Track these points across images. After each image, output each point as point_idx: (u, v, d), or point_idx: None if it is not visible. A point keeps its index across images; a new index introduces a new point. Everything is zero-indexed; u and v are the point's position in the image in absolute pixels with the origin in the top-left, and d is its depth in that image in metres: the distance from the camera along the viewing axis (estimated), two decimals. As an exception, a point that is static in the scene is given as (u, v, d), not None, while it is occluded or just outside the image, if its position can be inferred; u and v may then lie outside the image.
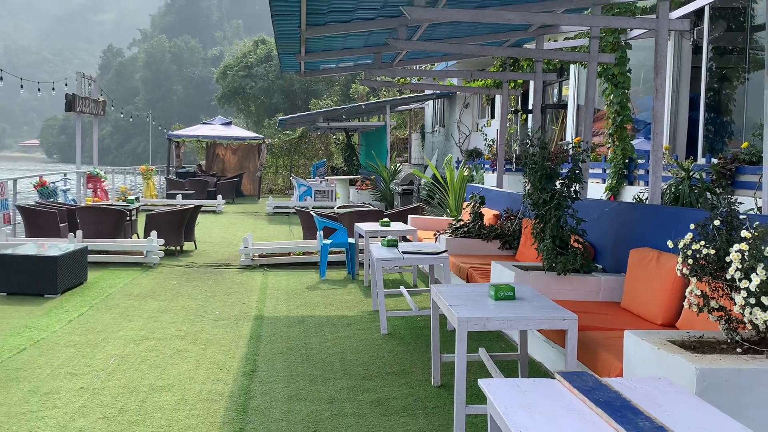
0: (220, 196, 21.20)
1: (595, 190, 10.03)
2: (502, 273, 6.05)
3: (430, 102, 23.67)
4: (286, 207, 20.38)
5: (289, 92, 49.66)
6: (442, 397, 4.81)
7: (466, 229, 8.35)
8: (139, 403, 4.65)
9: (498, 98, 16.42)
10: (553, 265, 5.88)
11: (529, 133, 7.29)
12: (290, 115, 26.93)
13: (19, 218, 11.70)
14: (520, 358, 5.04)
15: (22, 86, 16.74)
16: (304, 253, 10.73)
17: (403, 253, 6.85)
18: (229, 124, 28.94)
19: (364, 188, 20.26)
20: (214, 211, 20.03)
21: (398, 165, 21.99)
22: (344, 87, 43.68)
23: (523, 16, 6.40)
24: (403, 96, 23.22)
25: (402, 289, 7.70)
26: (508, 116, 12.36)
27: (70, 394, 4.79)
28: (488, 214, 8.91)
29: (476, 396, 4.67)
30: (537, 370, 5.38)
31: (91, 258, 9.51)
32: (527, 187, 6.18)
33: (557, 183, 6.06)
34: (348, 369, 5.46)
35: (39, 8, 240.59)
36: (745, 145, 7.54)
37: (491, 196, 9.47)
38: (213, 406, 4.63)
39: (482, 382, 2.87)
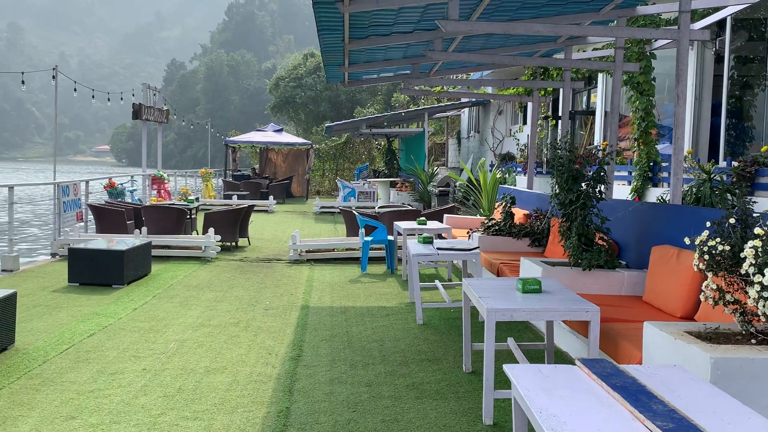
0: (271, 197, 21.42)
1: (621, 191, 9.88)
2: (530, 268, 6.01)
3: (466, 109, 23.56)
4: (332, 207, 20.50)
5: (336, 101, 49.92)
6: (472, 383, 4.81)
7: (497, 227, 8.31)
8: (195, 384, 4.74)
9: (530, 105, 16.29)
10: (579, 261, 5.82)
11: (558, 138, 7.23)
12: (336, 123, 27.08)
13: (90, 216, 11.99)
14: (546, 348, 5.00)
15: (93, 96, 17.17)
16: (347, 249, 10.78)
17: (438, 249, 6.85)
18: (280, 130, 29.23)
19: (403, 190, 20.26)
20: (266, 211, 20.26)
21: (435, 168, 21.94)
22: (386, 96, 43.73)
23: (552, 28, 6.35)
24: (441, 104, 23.14)
25: (437, 282, 7.70)
26: (539, 122, 12.24)
27: (133, 375, 4.91)
28: (519, 213, 8.86)
29: (504, 382, 4.65)
30: (562, 359, 5.34)
31: (154, 252, 9.70)
32: (555, 188, 6.13)
33: (583, 184, 6.00)
34: (386, 355, 5.49)
35: (110, 26, 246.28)
36: (764, 149, 7.36)
37: (522, 197, 9.41)
38: (262, 387, 4.69)
39: (507, 367, 2.87)
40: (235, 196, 20.74)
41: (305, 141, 29.40)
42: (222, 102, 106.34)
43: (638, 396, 2.31)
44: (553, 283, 4.74)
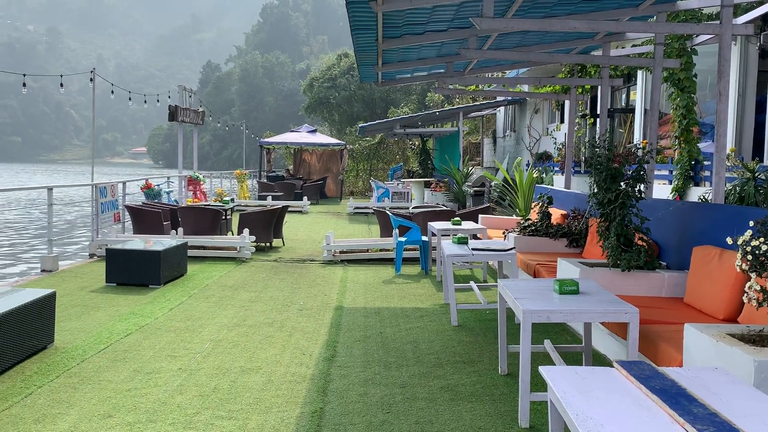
0: (305, 198, 21.57)
1: (662, 191, 9.72)
2: (567, 269, 5.96)
3: (502, 108, 23.42)
4: (365, 208, 20.55)
5: (369, 101, 50.04)
6: (508, 385, 4.78)
7: (534, 227, 8.25)
8: (230, 383, 4.81)
9: (567, 103, 16.11)
10: (618, 261, 5.75)
11: (596, 136, 7.15)
12: (370, 123, 27.14)
13: (127, 217, 12.22)
14: (584, 350, 4.95)
15: (130, 98, 17.50)
16: (380, 250, 10.81)
17: (473, 249, 6.83)
18: (314, 131, 29.41)
19: (438, 190, 20.22)
20: (300, 211, 20.41)
21: (470, 168, 21.85)
22: (420, 95, 43.69)
23: (589, 24, 6.28)
24: (476, 103, 23.02)
25: (472, 283, 7.67)
26: (577, 120, 12.11)
27: (169, 374, 4.99)
28: (556, 213, 8.77)
29: (541, 384, 4.63)
30: (600, 362, 5.28)
31: (190, 253, 9.86)
32: (593, 187, 6.06)
33: (622, 183, 5.93)
34: (420, 357, 5.49)
35: (145, 29, 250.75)
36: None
37: (559, 196, 9.32)
38: (296, 387, 4.74)
39: (543, 369, 2.85)
40: (270, 197, 20.94)
41: (339, 141, 29.52)
42: (256, 103, 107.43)
43: (678, 399, 2.28)
44: (591, 284, 4.68)
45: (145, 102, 19.53)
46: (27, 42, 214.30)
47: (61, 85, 14.03)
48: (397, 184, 24.04)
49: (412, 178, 24.02)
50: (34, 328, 5.31)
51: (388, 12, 6.50)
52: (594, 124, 14.60)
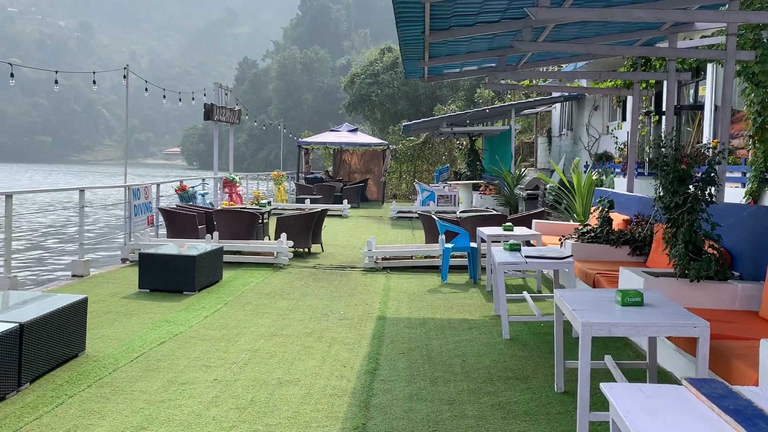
0: (345, 201, 21.68)
1: (734, 195, 9.49)
2: (630, 279, 5.86)
3: (558, 105, 23.18)
4: (409, 211, 20.56)
5: (414, 98, 50.10)
6: (565, 404, 4.73)
7: (593, 234, 8.14)
8: (267, 396, 4.86)
9: (630, 100, 15.88)
10: (686, 271, 5.64)
11: (662, 135, 7.02)
12: (414, 121, 27.16)
13: (161, 220, 12.46)
14: (648, 367, 4.87)
15: (164, 96, 17.87)
16: (426, 257, 10.80)
17: (526, 257, 6.77)
18: (355, 130, 29.57)
19: (487, 193, 20.11)
20: (340, 215, 20.53)
21: (523, 170, 21.68)
22: (468, 92, 43.54)
23: (655, 13, 6.17)
24: (529, 99, 22.87)
25: (525, 294, 7.61)
26: (640, 118, 11.91)
27: (204, 385, 5.07)
28: (617, 219, 8.64)
29: (600, 403, 4.57)
30: (666, 380, 5.18)
31: (225, 258, 9.99)
32: (659, 190, 5.96)
33: (691, 186, 5.81)
34: (469, 372, 5.46)
35: (180, 23, 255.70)
36: None
37: (621, 200, 9.18)
38: (337, 402, 4.76)
39: (604, 386, 2.81)
40: (308, 200, 21.12)
41: (381, 141, 29.62)
42: (295, 101, 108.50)
43: (755, 420, 2.22)
44: (656, 296, 4.60)
45: (180, 100, 19.93)
46: (58, 38, 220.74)
47: (94, 82, 14.42)
48: (443, 187, 23.98)
49: (459, 180, 23.96)
50: (66, 336, 5.45)
51: (437, 3, 6.51)
52: (659, 122, 14.35)
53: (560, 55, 10.67)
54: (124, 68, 12.23)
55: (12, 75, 11.78)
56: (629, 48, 9.03)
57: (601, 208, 8.41)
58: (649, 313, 4.16)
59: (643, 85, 11.52)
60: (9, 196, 8.51)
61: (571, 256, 6.76)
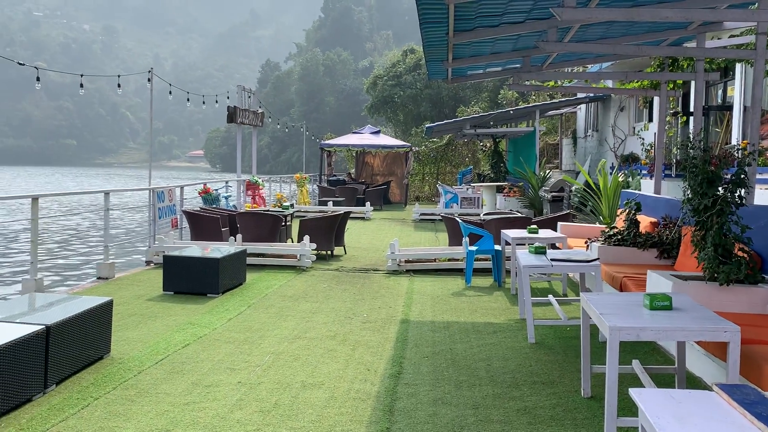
0: (368, 203, 21.70)
1: (765, 197, 9.35)
2: (658, 283, 5.80)
3: (583, 106, 23.02)
4: (432, 214, 20.53)
5: (437, 100, 50.08)
6: (592, 409, 4.68)
7: (620, 236, 8.05)
8: (291, 399, 4.87)
9: (656, 100, 15.72)
10: (715, 274, 5.56)
11: (690, 136, 6.94)
12: (437, 123, 27.11)
13: (185, 223, 12.56)
14: (677, 372, 4.81)
15: (188, 99, 18.03)
16: (449, 260, 10.77)
17: (552, 260, 6.72)
18: (377, 132, 29.59)
19: (511, 195, 20.02)
20: (362, 218, 20.55)
21: (548, 171, 21.55)
22: (492, 93, 43.43)
23: (683, 13, 6.11)
24: (554, 100, 22.73)
25: (550, 297, 7.55)
26: (667, 119, 11.78)
27: (228, 388, 5.10)
28: (644, 221, 8.55)
29: (628, 409, 4.52)
30: (695, 385, 5.11)
31: (248, 260, 10.05)
32: (687, 192, 5.89)
33: (720, 188, 5.74)
34: (494, 376, 5.44)
35: (204, 26, 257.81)
36: None
37: (648, 202, 9.08)
38: (361, 405, 4.76)
39: (633, 392, 2.78)
40: (331, 203, 21.17)
41: (404, 143, 29.61)
42: (317, 103, 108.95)
43: (790, 429, 2.19)
44: (685, 300, 4.55)
45: (204, 103, 20.07)
46: (83, 42, 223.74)
47: (119, 85, 14.58)
48: (467, 189, 23.92)
49: (482, 182, 23.88)
50: (91, 338, 5.51)
51: (461, 3, 6.49)
52: (686, 122, 14.21)
53: (586, 56, 10.60)
54: (149, 71, 12.36)
55: (38, 79, 11.96)
56: (656, 48, 8.94)
57: (628, 211, 8.33)
58: (678, 317, 4.11)
59: (671, 85, 11.41)
60: (35, 199, 8.63)
61: (598, 259, 6.70)
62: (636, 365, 4.95)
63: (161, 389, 5.04)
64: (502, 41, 8.78)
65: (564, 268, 6.67)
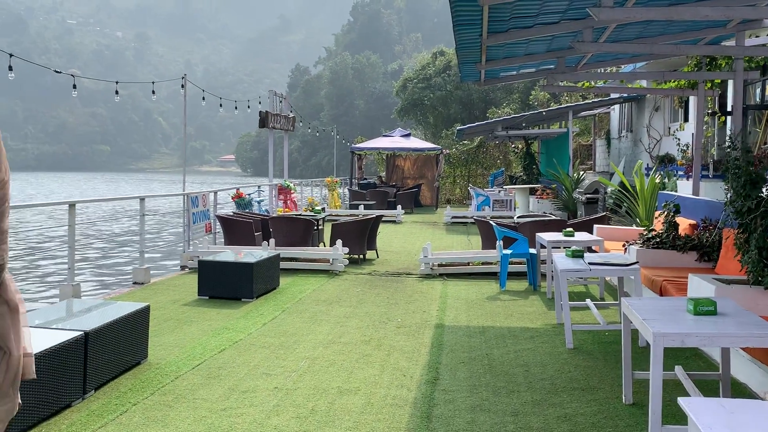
0: (399, 206, 21.66)
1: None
2: (700, 286, 5.67)
3: (616, 106, 22.75)
4: (464, 217, 20.43)
5: (467, 102, 49.89)
6: (634, 416, 4.59)
7: (658, 239, 7.91)
8: (328, 405, 4.85)
9: (692, 100, 15.45)
10: (760, 278, 5.43)
11: (729, 136, 6.79)
12: (468, 125, 27.00)
13: (218, 227, 12.64)
14: (721, 378, 4.70)
15: (221, 105, 18.18)
16: (483, 263, 10.68)
17: (590, 264, 6.62)
18: (408, 135, 29.55)
19: (544, 197, 19.81)
20: (393, 221, 20.51)
21: (581, 173, 21.31)
22: (523, 94, 43.14)
23: (723, 11, 5.97)
24: (587, 101, 22.48)
25: (588, 302, 7.45)
26: (705, 119, 11.56)
27: (265, 393, 5.10)
28: (683, 223, 8.39)
29: (672, 416, 4.43)
30: (740, 392, 4.99)
31: (281, 265, 10.06)
32: (729, 194, 5.76)
33: (764, 189, 5.60)
34: (532, 382, 5.36)
35: (234, 32, 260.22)
36: None
37: (686, 204, 8.91)
38: (398, 412, 4.72)
39: (683, 401, 2.71)
40: (362, 206, 21.18)
41: (434, 146, 29.52)
42: (346, 107, 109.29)
43: None
44: (729, 304, 4.44)
45: (236, 108, 20.23)
46: (115, 49, 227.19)
47: (153, 92, 14.75)
48: (499, 191, 23.78)
49: (514, 184, 23.71)
50: (129, 343, 5.55)
51: (496, 4, 6.43)
52: (724, 123, 13.94)
53: (621, 56, 10.45)
54: (183, 77, 12.48)
55: (74, 86, 12.14)
56: (694, 47, 8.77)
57: (666, 213, 8.18)
58: (723, 322, 4.01)
59: (708, 85, 11.20)
60: (72, 206, 8.74)
61: (637, 262, 6.59)
62: (679, 371, 4.85)
63: (198, 395, 5.06)
64: (536, 42, 8.69)
65: (603, 272, 6.57)
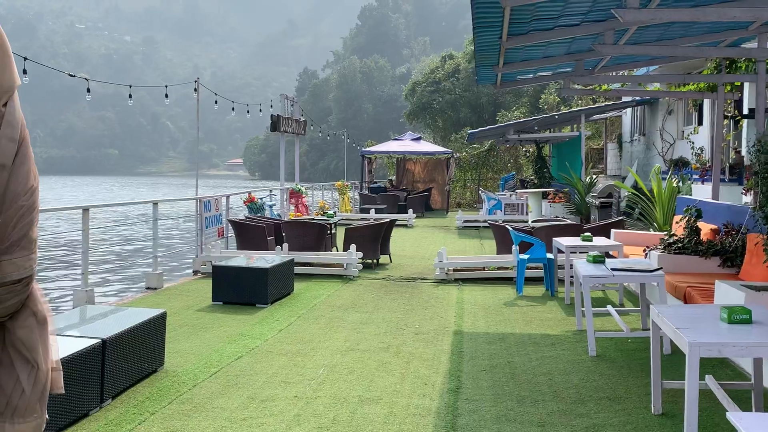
0: (410, 210, 21.54)
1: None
2: (728, 293, 5.55)
3: (628, 110, 22.60)
4: (476, 221, 20.30)
5: (476, 105, 49.78)
6: (664, 427, 4.47)
7: (680, 244, 7.79)
8: (350, 414, 4.75)
9: (706, 103, 15.30)
10: (791, 285, 5.30)
11: (758, 138, 6.66)
12: (480, 129, 26.89)
13: (230, 232, 12.56)
14: (753, 388, 4.58)
15: (233, 109, 18.13)
16: (498, 268, 10.56)
17: (612, 269, 6.50)
18: (418, 139, 29.43)
19: (557, 201, 19.70)
20: (405, 225, 20.39)
21: (594, 177, 21.18)
22: (532, 98, 43.01)
23: (752, 12, 5.85)
24: (599, 105, 22.36)
25: (609, 308, 7.32)
26: (725, 122, 11.41)
27: (285, 402, 5.00)
28: (704, 228, 8.26)
29: (707, 428, 4.31)
30: (774, 403, 4.85)
31: (295, 270, 9.97)
32: (759, 198, 5.64)
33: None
34: (557, 391, 5.25)
35: (242, 36, 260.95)
36: None
37: (707, 208, 8.77)
38: (421, 422, 4.62)
39: (733, 416, 2.59)
40: (373, 210, 21.08)
41: (445, 149, 29.39)
42: (355, 111, 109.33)
43: None
44: (763, 312, 4.32)
45: (248, 112, 20.18)
46: (124, 53, 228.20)
47: (166, 96, 14.70)
48: (510, 195, 23.63)
49: (525, 188, 23.57)
50: (146, 351, 5.46)
51: (518, 6, 6.33)
52: (736, 126, 13.78)
53: (640, 58, 10.33)
54: (195, 81, 12.43)
55: (88, 90, 12.09)
56: (717, 49, 8.64)
57: (688, 218, 8.06)
58: (759, 331, 3.90)
59: (728, 87, 11.06)
60: (86, 210, 8.67)
61: (661, 268, 6.46)
62: (710, 381, 4.72)
63: (217, 404, 4.96)
64: (555, 45, 8.58)
65: (626, 278, 6.44)
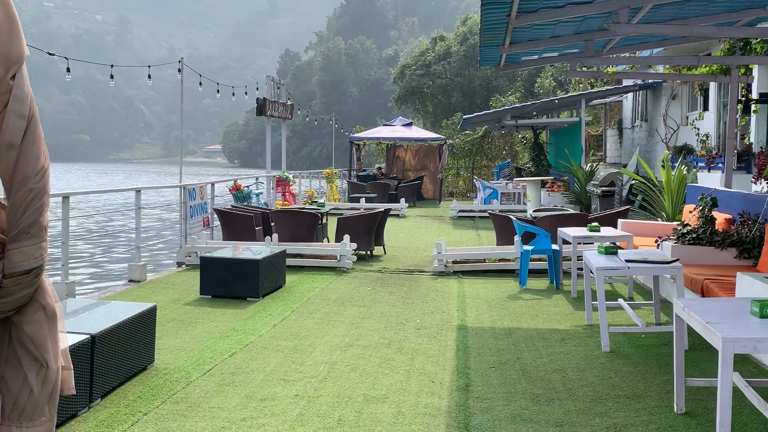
0: (403, 200, 21.45)
1: None
2: (752, 286, 5.52)
3: (630, 95, 22.60)
4: (471, 211, 20.26)
5: (468, 90, 49.72)
6: (689, 426, 4.44)
7: (694, 235, 7.77)
8: (356, 414, 4.68)
9: (712, 88, 15.30)
10: (818, 277, 5.28)
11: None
12: (475, 114, 26.81)
13: (216, 221, 12.42)
14: (781, 386, 4.55)
15: (218, 92, 17.92)
16: (499, 260, 10.52)
17: (627, 261, 6.45)
18: (410, 125, 29.28)
19: (555, 190, 19.69)
20: (397, 215, 20.30)
21: (595, 165, 21.18)
22: (527, 82, 42.98)
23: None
24: (599, 89, 22.33)
25: (621, 302, 7.30)
26: (738, 107, 11.38)
27: (286, 401, 4.92)
28: (719, 218, 8.24)
29: (736, 428, 4.28)
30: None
31: (286, 261, 9.87)
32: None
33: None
34: (572, 389, 5.20)
35: (219, 15, 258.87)
36: None
37: (721, 197, 8.75)
38: (432, 422, 4.56)
39: None
40: (363, 199, 20.99)
41: (438, 136, 29.28)
42: (339, 95, 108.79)
43: None
44: (795, 306, 4.28)
45: (233, 95, 19.96)
46: (95, 33, 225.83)
47: (149, 77, 14.47)
48: (506, 184, 23.61)
49: (520, 176, 23.55)
50: (136, 347, 5.37)
51: (529, -19, 6.24)
52: (748, 111, 13.78)
53: (650, 39, 10.28)
54: (179, 61, 12.25)
55: (68, 70, 11.85)
56: (733, 29, 8.59)
57: (702, 207, 8.04)
58: (793, 326, 3.85)
59: (742, 70, 11.04)
60: (66, 198, 8.53)
61: (678, 260, 6.43)
62: (737, 378, 4.69)
63: (214, 403, 4.88)
64: (565, 24, 8.51)
65: (642, 270, 6.41)
